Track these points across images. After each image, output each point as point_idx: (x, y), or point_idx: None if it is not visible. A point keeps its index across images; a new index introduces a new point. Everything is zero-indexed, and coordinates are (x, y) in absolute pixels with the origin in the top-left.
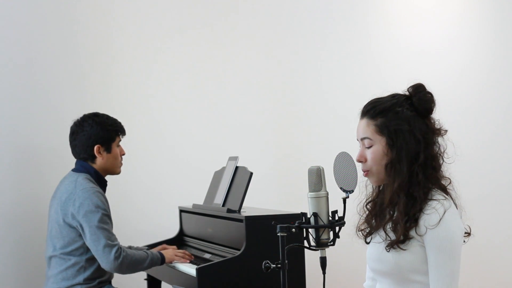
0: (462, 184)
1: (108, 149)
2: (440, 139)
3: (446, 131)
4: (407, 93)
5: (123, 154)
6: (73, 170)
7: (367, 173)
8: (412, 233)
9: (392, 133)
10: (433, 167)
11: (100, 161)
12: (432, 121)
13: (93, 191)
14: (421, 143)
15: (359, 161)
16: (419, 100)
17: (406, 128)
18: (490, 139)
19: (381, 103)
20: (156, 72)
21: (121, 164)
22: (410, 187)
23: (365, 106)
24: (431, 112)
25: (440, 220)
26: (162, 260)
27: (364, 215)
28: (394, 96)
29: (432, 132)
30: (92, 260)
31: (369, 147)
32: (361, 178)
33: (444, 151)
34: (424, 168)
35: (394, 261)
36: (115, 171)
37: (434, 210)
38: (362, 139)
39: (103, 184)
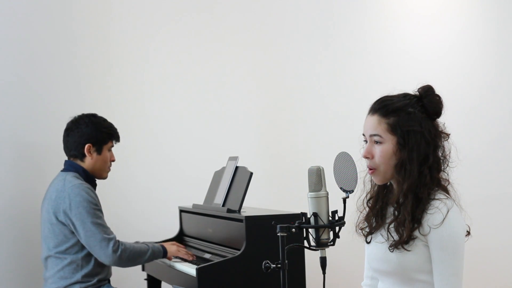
0: (462, 185)
1: (99, 151)
2: (445, 142)
3: (449, 134)
4: (416, 93)
5: (113, 160)
6: (62, 170)
7: (373, 171)
8: (416, 233)
9: (405, 134)
10: (437, 169)
11: (89, 161)
12: (438, 124)
13: (83, 188)
14: (430, 145)
15: (366, 157)
16: (430, 102)
17: (418, 130)
18: (492, 141)
19: (394, 102)
20: (156, 72)
21: (109, 169)
22: (418, 188)
23: (377, 103)
24: (440, 115)
25: (443, 220)
26: (164, 253)
27: (364, 212)
28: (406, 96)
29: (439, 135)
30: (88, 257)
31: (378, 145)
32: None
33: (449, 154)
34: (431, 170)
35: (398, 261)
36: (101, 174)
37: (438, 210)
38: (372, 135)
39: (92, 183)
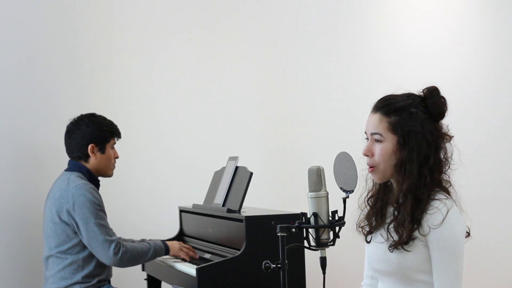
0: (462, 185)
1: (102, 150)
2: (447, 144)
3: (453, 136)
4: (421, 94)
5: (117, 157)
6: (66, 170)
7: (372, 169)
8: (416, 233)
9: (405, 134)
10: (439, 171)
11: (93, 161)
12: (441, 125)
13: (86, 188)
14: (431, 146)
15: (366, 155)
16: (433, 104)
17: (419, 130)
18: (490, 140)
19: (397, 101)
20: (157, 72)
21: (114, 167)
22: (417, 189)
23: (380, 101)
24: (443, 117)
25: (443, 220)
26: (166, 251)
27: (366, 210)
28: (410, 96)
29: (441, 137)
30: (89, 258)
31: (378, 143)
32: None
33: (451, 156)
34: (432, 171)
35: (397, 261)
36: (107, 173)
37: (437, 210)
38: (373, 134)
39: (95, 183)
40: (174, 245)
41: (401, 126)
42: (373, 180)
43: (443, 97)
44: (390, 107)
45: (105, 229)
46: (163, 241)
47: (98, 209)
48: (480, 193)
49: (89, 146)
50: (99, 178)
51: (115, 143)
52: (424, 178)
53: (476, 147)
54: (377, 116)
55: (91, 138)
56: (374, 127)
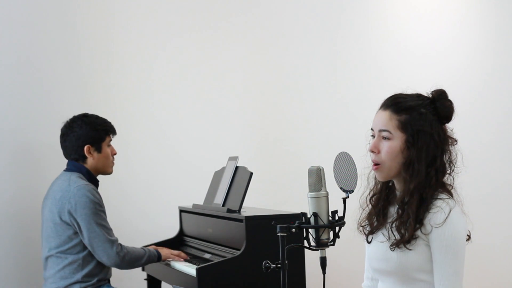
0: (463, 187)
1: (99, 149)
2: (452, 148)
3: (457, 140)
4: (429, 95)
5: (115, 154)
6: (65, 170)
7: (377, 166)
8: (418, 232)
9: (415, 133)
10: (443, 173)
11: (91, 161)
12: (447, 128)
13: (88, 189)
14: (438, 147)
15: (372, 151)
16: (442, 106)
17: (428, 131)
18: (490, 140)
19: (407, 100)
20: (157, 72)
21: (113, 163)
22: (423, 188)
23: (390, 99)
24: (450, 120)
25: (446, 219)
26: (158, 257)
27: (367, 209)
28: (419, 97)
29: (447, 139)
30: (89, 257)
31: (386, 141)
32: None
33: (455, 159)
34: (438, 173)
35: (399, 261)
36: (106, 170)
37: (440, 209)
38: (381, 130)
39: (95, 184)
40: (163, 250)
41: (411, 125)
42: (375, 179)
43: (450, 100)
44: (401, 105)
45: (107, 229)
46: (156, 249)
47: (99, 210)
48: (480, 194)
49: (85, 147)
50: (100, 176)
51: (111, 140)
52: (430, 178)
53: (476, 148)
54: (386, 113)
55: (86, 139)
56: (383, 124)
